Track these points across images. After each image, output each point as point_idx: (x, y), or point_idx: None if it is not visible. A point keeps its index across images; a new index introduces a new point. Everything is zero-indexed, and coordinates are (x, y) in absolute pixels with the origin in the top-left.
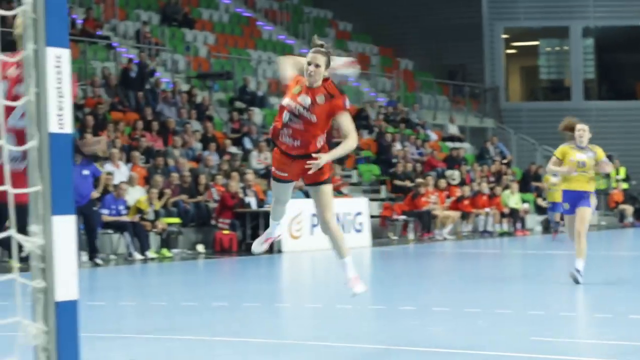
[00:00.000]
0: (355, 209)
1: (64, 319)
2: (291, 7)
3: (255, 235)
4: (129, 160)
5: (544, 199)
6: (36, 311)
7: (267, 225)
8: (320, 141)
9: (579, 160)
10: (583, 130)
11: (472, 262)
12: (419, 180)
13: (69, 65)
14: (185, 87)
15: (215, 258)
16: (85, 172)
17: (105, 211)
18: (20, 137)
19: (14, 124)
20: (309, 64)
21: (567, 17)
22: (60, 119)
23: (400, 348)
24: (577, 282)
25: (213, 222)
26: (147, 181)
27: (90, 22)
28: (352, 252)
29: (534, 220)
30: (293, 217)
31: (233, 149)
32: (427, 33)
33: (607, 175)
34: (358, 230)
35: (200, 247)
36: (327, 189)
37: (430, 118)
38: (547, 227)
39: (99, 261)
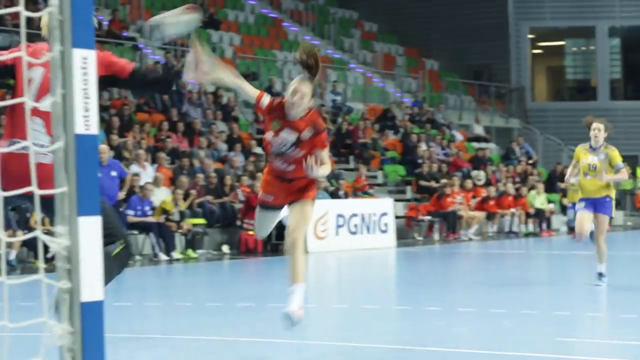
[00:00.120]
0: (381, 210)
1: (90, 320)
2: (317, 7)
3: (280, 236)
4: (154, 161)
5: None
6: (62, 312)
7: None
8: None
9: (590, 163)
10: (598, 130)
11: (497, 262)
12: (444, 180)
13: (95, 67)
14: (210, 87)
15: (240, 259)
16: (113, 173)
17: (130, 212)
18: (47, 119)
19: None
20: (294, 92)
21: (593, 16)
22: (87, 120)
23: (426, 348)
24: (600, 283)
25: (238, 222)
26: (173, 182)
27: (116, 24)
28: (374, 255)
29: (559, 221)
30: (318, 217)
31: (258, 150)
32: (453, 33)
33: (633, 174)
34: (383, 231)
35: (225, 248)
36: (309, 207)
37: (455, 118)
38: (572, 227)
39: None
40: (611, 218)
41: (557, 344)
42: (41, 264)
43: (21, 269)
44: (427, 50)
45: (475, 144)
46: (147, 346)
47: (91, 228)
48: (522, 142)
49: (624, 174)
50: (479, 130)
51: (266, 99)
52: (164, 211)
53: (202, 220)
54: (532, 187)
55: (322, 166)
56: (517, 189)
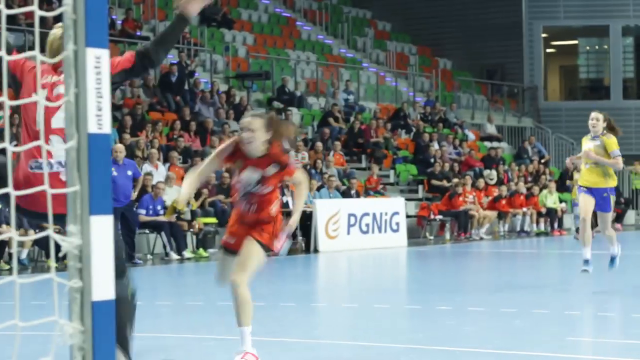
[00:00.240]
0: (392, 209)
1: (100, 319)
2: (330, 7)
3: (292, 235)
4: (166, 160)
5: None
6: (73, 311)
7: (303, 226)
8: (276, 205)
9: (585, 150)
10: (596, 120)
11: (508, 262)
12: (456, 180)
13: (108, 66)
14: (223, 87)
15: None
16: (129, 172)
17: (142, 211)
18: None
19: (59, 125)
20: (242, 129)
21: (606, 16)
22: (99, 120)
23: (436, 348)
24: (612, 264)
25: None
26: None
27: (130, 23)
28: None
29: (571, 220)
30: (330, 216)
31: None
32: (466, 32)
33: None
34: (394, 230)
35: None
36: (257, 248)
37: (468, 117)
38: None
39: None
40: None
41: (567, 344)
42: (52, 263)
43: (32, 268)
44: (440, 49)
45: (488, 143)
46: (158, 345)
47: (103, 227)
48: (534, 141)
49: (619, 161)
50: (491, 129)
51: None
52: (176, 210)
53: (213, 220)
54: (544, 187)
55: (297, 198)
56: (529, 188)
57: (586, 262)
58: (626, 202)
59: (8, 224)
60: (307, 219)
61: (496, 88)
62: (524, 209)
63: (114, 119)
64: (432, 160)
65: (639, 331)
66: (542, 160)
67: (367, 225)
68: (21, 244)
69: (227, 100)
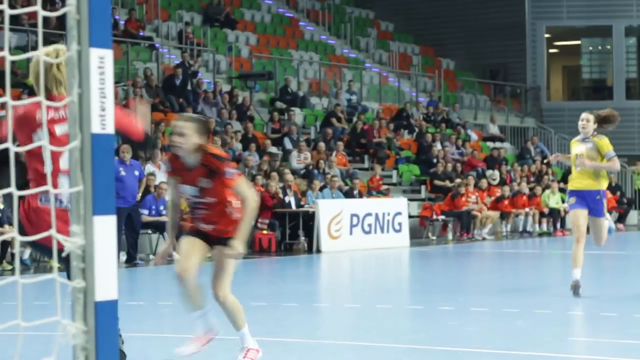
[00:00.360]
0: (395, 209)
1: (103, 319)
2: (333, 7)
3: (294, 235)
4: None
5: None
6: (76, 311)
7: (305, 226)
8: (233, 208)
9: (577, 153)
10: (586, 121)
11: (511, 262)
12: (459, 180)
13: (111, 66)
14: (226, 87)
15: (254, 258)
16: (136, 172)
17: (145, 211)
18: None
19: (65, 167)
20: (173, 133)
21: (609, 16)
22: (103, 120)
23: (439, 348)
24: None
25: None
26: None
27: (133, 23)
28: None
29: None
30: (332, 217)
31: (273, 149)
32: (469, 32)
33: None
34: (397, 231)
35: None
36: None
37: (471, 118)
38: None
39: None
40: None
41: (570, 344)
42: (55, 263)
43: (35, 268)
44: (443, 49)
45: (490, 144)
46: (160, 345)
47: (106, 227)
48: (537, 141)
49: (615, 162)
50: (494, 129)
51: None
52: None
53: None
54: (547, 187)
55: (241, 219)
56: (531, 189)
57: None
58: (629, 202)
59: (10, 224)
60: (309, 219)
61: (499, 88)
62: (527, 209)
63: None
64: (434, 160)
65: None
66: (545, 161)
67: (370, 225)
68: (24, 245)
69: (230, 100)
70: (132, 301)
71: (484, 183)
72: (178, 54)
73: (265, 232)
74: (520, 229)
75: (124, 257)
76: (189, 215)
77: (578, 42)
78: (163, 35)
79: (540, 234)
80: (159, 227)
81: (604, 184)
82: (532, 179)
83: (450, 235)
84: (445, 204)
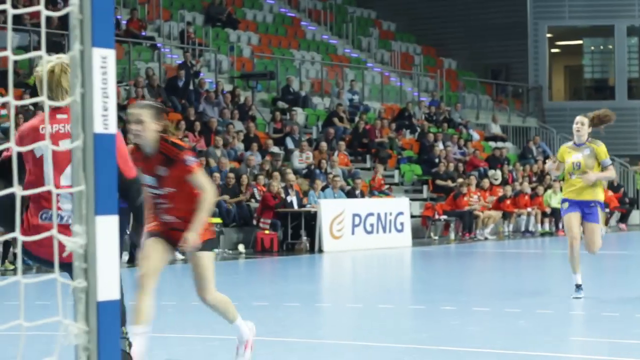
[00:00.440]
0: (397, 209)
1: (106, 319)
2: (335, 6)
3: (296, 235)
4: None
5: None
6: (78, 311)
7: (307, 226)
8: (195, 201)
9: (573, 161)
10: (581, 124)
11: (513, 262)
12: (461, 180)
13: (114, 66)
14: (228, 87)
15: (256, 258)
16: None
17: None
18: None
19: (66, 182)
20: (129, 122)
21: (611, 15)
22: (105, 120)
23: (441, 348)
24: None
25: (254, 222)
26: None
27: (135, 23)
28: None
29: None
30: (334, 216)
31: (275, 149)
32: (471, 32)
33: None
34: (399, 230)
35: (241, 247)
36: (203, 257)
37: (473, 117)
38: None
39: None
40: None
41: (571, 344)
42: (56, 263)
43: (36, 268)
44: (445, 49)
45: (492, 144)
46: (162, 345)
47: (108, 227)
48: (538, 141)
49: (612, 171)
50: (496, 129)
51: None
52: None
53: (218, 220)
54: (549, 187)
55: (198, 209)
56: (533, 189)
57: (578, 287)
58: (631, 202)
59: None
60: (311, 219)
61: (501, 88)
62: (529, 209)
63: (119, 119)
64: (436, 160)
65: None
66: (547, 161)
67: (372, 225)
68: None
69: (232, 100)
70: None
71: (485, 183)
72: (180, 54)
73: (267, 232)
74: (522, 229)
75: (126, 257)
76: (151, 212)
77: (580, 41)
78: (165, 35)
79: (542, 234)
80: None
81: (600, 195)
82: (534, 178)
83: (452, 235)
84: (447, 203)
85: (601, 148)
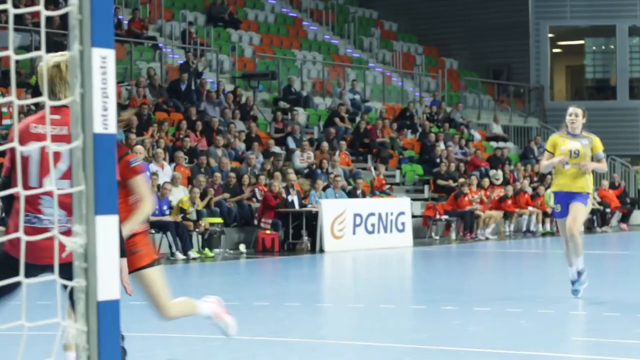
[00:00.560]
0: (398, 209)
1: (106, 319)
2: (337, 6)
3: (297, 235)
4: (172, 160)
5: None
6: (77, 311)
7: (309, 226)
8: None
9: (571, 149)
10: (575, 115)
11: (514, 262)
12: (462, 180)
13: (114, 66)
14: (229, 87)
15: (257, 258)
16: (147, 173)
17: None
18: (62, 197)
19: (50, 187)
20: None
21: (613, 15)
22: (105, 120)
23: (442, 348)
24: (577, 291)
25: (255, 222)
26: (190, 181)
27: (136, 23)
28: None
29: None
30: (335, 216)
31: (277, 149)
32: (472, 32)
33: None
34: (400, 230)
35: (242, 247)
36: (150, 276)
37: (474, 117)
38: (590, 227)
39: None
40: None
41: (573, 344)
42: (56, 263)
43: None
44: (446, 49)
45: (494, 143)
46: (162, 345)
47: (108, 227)
48: (540, 141)
49: (604, 164)
50: (497, 129)
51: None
52: (181, 210)
53: (219, 219)
54: (549, 186)
55: (139, 206)
56: (534, 189)
57: (579, 274)
58: (632, 202)
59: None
60: (312, 218)
61: (502, 88)
62: (530, 208)
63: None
64: (438, 160)
65: None
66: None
67: (373, 225)
68: None
69: (233, 100)
70: (135, 301)
71: (486, 182)
72: (181, 54)
73: (268, 231)
74: (524, 228)
75: None
76: None
77: (581, 41)
78: (166, 35)
79: (544, 234)
80: (162, 227)
81: (590, 187)
82: (535, 178)
83: (453, 235)
84: (449, 203)
85: (598, 140)
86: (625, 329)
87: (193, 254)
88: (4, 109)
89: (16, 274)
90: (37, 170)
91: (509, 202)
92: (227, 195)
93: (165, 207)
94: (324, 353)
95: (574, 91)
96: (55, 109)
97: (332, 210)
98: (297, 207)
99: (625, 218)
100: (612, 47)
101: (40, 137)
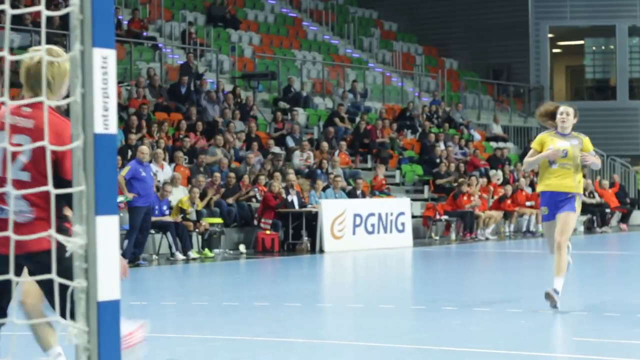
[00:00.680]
0: (398, 209)
1: (106, 319)
2: (336, 7)
3: (297, 236)
4: (172, 160)
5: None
6: (78, 311)
7: (309, 226)
8: None
9: (559, 148)
10: (566, 114)
11: (514, 262)
12: (461, 179)
13: (114, 66)
14: (229, 87)
15: (257, 258)
16: (151, 173)
17: None
18: (21, 188)
19: (13, 176)
20: None
21: (613, 16)
22: (106, 120)
23: (442, 348)
24: (554, 306)
25: (255, 222)
26: (190, 181)
27: (136, 23)
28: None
29: (576, 220)
30: (335, 217)
31: (277, 149)
32: (472, 32)
33: None
34: (400, 231)
35: (242, 247)
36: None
37: (474, 118)
38: (590, 227)
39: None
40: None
41: (573, 344)
42: (54, 264)
43: None
44: (446, 49)
45: (494, 144)
46: (163, 345)
47: (109, 227)
48: None
49: (598, 159)
50: (497, 129)
51: None
52: (181, 210)
53: (219, 220)
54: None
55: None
56: (534, 189)
57: (555, 293)
58: (632, 202)
59: None
60: (312, 219)
61: (502, 88)
62: (529, 203)
63: (120, 119)
64: (437, 160)
65: None
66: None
67: (373, 225)
68: None
69: (233, 100)
70: (135, 301)
71: (485, 182)
72: (181, 54)
73: (268, 232)
74: (524, 229)
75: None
76: None
77: (581, 42)
78: (166, 35)
79: (543, 234)
80: (162, 227)
81: (580, 187)
82: (535, 178)
83: (453, 235)
84: (448, 203)
85: (588, 140)
86: (625, 329)
87: (193, 254)
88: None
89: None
90: (1, 162)
91: (508, 201)
92: (226, 195)
93: (165, 207)
94: (324, 353)
95: (574, 91)
96: (30, 104)
97: (332, 210)
98: (297, 207)
99: (625, 218)
100: (612, 47)
101: (6, 129)
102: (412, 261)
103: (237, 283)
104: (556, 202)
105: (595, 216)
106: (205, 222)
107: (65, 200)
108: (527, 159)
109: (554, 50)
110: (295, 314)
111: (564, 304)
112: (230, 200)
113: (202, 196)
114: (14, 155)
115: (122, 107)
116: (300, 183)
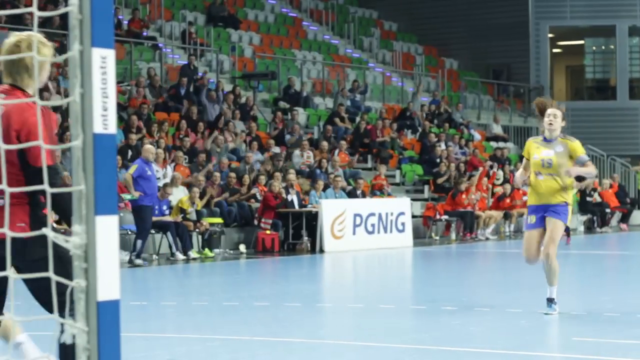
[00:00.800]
0: (398, 209)
1: (106, 319)
2: (337, 7)
3: (297, 235)
4: (172, 160)
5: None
6: (77, 311)
7: (309, 226)
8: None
9: (543, 158)
10: (554, 116)
11: (514, 262)
12: (462, 179)
13: (114, 66)
14: (229, 87)
15: (257, 258)
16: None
17: None
18: None
19: None
20: None
21: (613, 16)
22: (105, 120)
23: (442, 348)
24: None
25: (255, 222)
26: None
27: (136, 23)
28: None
29: (576, 220)
30: (335, 216)
31: (277, 149)
32: (473, 32)
33: None
34: (400, 230)
35: (242, 247)
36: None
37: (474, 118)
38: (590, 227)
39: (138, 261)
40: (568, 232)
41: (573, 344)
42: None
43: None
44: (446, 49)
45: (494, 144)
46: (163, 345)
47: (108, 227)
48: None
49: (592, 167)
50: (497, 129)
51: None
52: (181, 210)
53: (219, 220)
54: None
55: None
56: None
57: (550, 302)
58: (632, 202)
59: None
60: (312, 219)
61: (502, 88)
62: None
63: (120, 119)
64: (437, 160)
65: None
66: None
67: (373, 225)
68: None
69: (233, 100)
70: (135, 301)
71: (485, 181)
72: (181, 54)
73: (268, 232)
74: (524, 229)
75: (126, 257)
76: None
77: (581, 42)
78: (166, 35)
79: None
80: (162, 227)
81: (569, 197)
82: None
83: (453, 235)
84: (447, 203)
85: (576, 144)
86: (625, 329)
87: (193, 254)
88: None
89: None
90: None
91: (507, 200)
92: (226, 194)
93: (165, 207)
94: (324, 353)
95: (574, 91)
96: (5, 89)
97: (332, 210)
98: (297, 207)
99: (625, 218)
100: (612, 47)
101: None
102: (412, 261)
103: (237, 283)
104: (546, 210)
105: (596, 216)
106: (206, 222)
107: (38, 186)
108: (516, 174)
109: (554, 50)
110: (295, 314)
111: (564, 304)
112: (231, 201)
113: (202, 196)
114: None
115: (122, 107)
116: (300, 183)
